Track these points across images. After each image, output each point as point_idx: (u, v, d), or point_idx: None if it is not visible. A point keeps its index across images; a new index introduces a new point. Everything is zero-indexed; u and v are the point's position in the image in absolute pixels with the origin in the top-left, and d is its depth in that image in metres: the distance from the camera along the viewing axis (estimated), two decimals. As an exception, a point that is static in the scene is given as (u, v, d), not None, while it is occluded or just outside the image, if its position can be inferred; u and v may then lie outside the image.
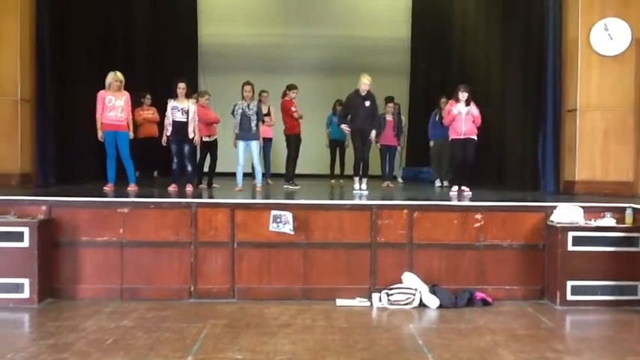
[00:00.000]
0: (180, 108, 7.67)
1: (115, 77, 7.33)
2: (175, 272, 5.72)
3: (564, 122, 7.87)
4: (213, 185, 8.86)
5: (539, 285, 5.88)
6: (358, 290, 5.73)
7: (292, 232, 5.71)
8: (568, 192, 7.64)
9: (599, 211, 5.92)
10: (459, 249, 5.87)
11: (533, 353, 4.26)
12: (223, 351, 4.19)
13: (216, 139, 9.03)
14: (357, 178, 8.10)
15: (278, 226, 5.71)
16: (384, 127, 9.97)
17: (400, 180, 11.58)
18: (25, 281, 5.32)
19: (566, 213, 5.79)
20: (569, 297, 5.59)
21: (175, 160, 7.77)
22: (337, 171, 10.79)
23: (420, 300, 5.51)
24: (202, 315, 5.15)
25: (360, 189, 7.95)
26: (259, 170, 8.09)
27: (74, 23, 8.61)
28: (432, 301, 5.49)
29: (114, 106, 7.30)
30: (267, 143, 9.48)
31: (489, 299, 5.66)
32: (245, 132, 7.92)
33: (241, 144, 7.94)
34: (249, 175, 8.53)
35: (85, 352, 4.13)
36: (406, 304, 5.48)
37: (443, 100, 9.69)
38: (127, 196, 6.33)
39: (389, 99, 10.16)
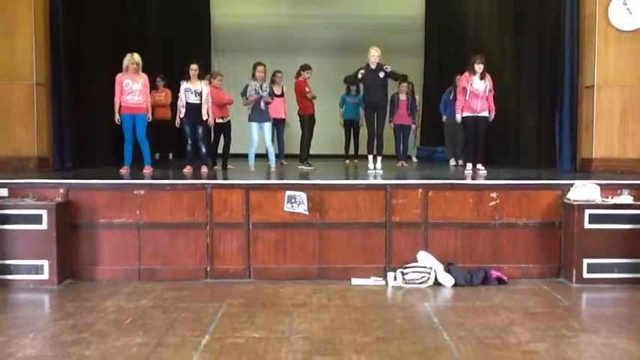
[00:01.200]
0: (193, 90, 7.67)
1: (131, 59, 7.29)
2: (192, 253, 5.77)
3: (581, 99, 7.76)
4: (228, 167, 8.89)
5: (555, 263, 5.86)
6: (373, 269, 5.75)
7: (307, 213, 5.72)
8: (585, 169, 7.56)
9: (616, 189, 5.86)
10: (475, 228, 5.85)
11: (549, 331, 4.26)
12: (240, 330, 4.24)
13: (229, 121, 9.02)
14: (370, 157, 8.02)
15: (292, 207, 5.72)
16: (397, 107, 9.92)
17: (415, 159, 11.54)
18: (45, 263, 5.41)
19: (583, 191, 5.73)
20: (586, 275, 5.56)
21: (189, 142, 7.79)
22: (352, 151, 10.78)
23: (435, 278, 5.52)
24: (219, 295, 5.20)
25: (375, 168, 7.90)
26: (272, 151, 8.09)
27: (88, 6, 8.61)
28: (447, 280, 5.50)
29: (131, 89, 7.27)
30: (280, 124, 9.47)
31: (505, 277, 5.64)
32: (257, 113, 7.89)
33: (254, 126, 7.92)
34: (263, 157, 8.55)
35: (105, 331, 4.21)
36: (421, 283, 5.49)
37: (458, 77, 9.59)
38: (142, 179, 6.38)
39: (403, 77, 10.08)
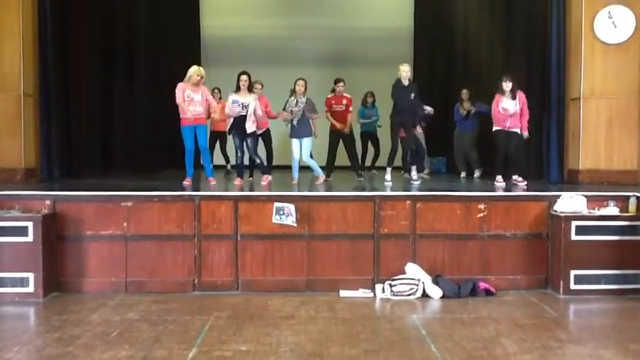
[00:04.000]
0: (241, 102, 7.49)
1: (197, 71, 7.19)
2: (179, 265, 5.75)
3: (568, 111, 7.81)
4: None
5: (542, 274, 5.88)
6: (361, 281, 5.75)
7: (295, 224, 5.72)
8: (572, 181, 7.60)
9: (603, 200, 5.90)
10: (462, 239, 5.87)
11: (537, 342, 4.27)
12: (227, 342, 4.22)
13: (267, 130, 8.73)
14: (411, 168, 8.23)
15: (281, 218, 5.72)
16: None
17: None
18: (30, 275, 5.36)
19: (570, 202, 5.77)
20: (573, 286, 5.59)
21: (239, 154, 7.65)
22: (368, 163, 10.35)
23: (424, 290, 5.52)
24: (206, 307, 5.18)
25: (412, 178, 8.05)
26: (313, 164, 7.88)
27: (76, 17, 8.60)
28: (435, 292, 5.50)
29: (192, 100, 7.16)
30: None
31: (492, 289, 5.66)
32: (296, 129, 7.78)
33: (295, 141, 7.83)
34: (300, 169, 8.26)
35: (91, 345, 4.17)
36: (409, 295, 5.49)
37: (464, 91, 9.65)
38: (131, 190, 6.33)
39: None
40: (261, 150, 8.50)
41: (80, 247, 5.70)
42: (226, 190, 6.63)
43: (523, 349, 4.14)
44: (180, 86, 7.21)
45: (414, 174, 8.32)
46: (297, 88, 7.78)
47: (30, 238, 5.36)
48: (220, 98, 9.87)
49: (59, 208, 5.72)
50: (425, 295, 5.51)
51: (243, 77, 7.56)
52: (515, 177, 7.56)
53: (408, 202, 5.89)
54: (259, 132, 8.47)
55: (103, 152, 9.81)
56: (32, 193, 5.89)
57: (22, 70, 7.45)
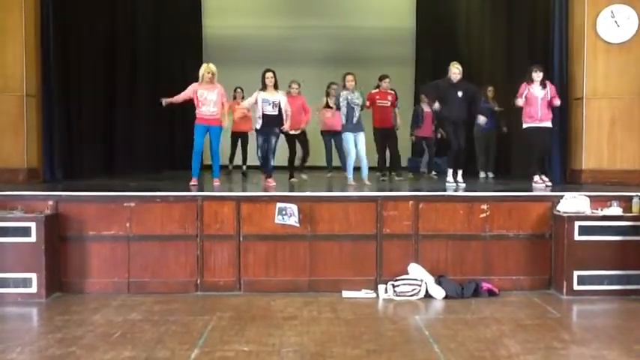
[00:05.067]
0: (271, 101, 7.31)
1: (207, 69, 7.07)
2: (182, 265, 5.74)
3: (571, 111, 7.82)
4: (302, 177, 8.67)
5: (545, 275, 5.87)
6: (364, 282, 5.73)
7: (298, 225, 5.71)
8: (575, 181, 7.60)
9: (606, 200, 5.88)
10: (465, 239, 5.86)
11: (540, 343, 4.26)
12: (229, 343, 4.22)
13: (304, 131, 8.69)
14: (450, 171, 7.66)
15: (283, 219, 5.71)
16: (422, 119, 9.71)
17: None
18: (33, 276, 5.36)
19: (573, 202, 5.76)
20: (576, 287, 5.57)
21: (259, 153, 7.49)
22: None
23: (426, 291, 5.51)
24: (209, 308, 5.18)
25: (456, 181, 7.51)
26: (365, 164, 7.69)
27: (78, 18, 8.62)
28: (438, 292, 5.50)
29: (206, 99, 7.05)
30: (338, 136, 8.49)
31: (496, 290, 5.65)
32: (351, 124, 7.59)
33: (350, 136, 7.60)
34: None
35: (93, 345, 4.17)
36: (412, 296, 5.49)
37: (490, 88, 9.49)
38: (134, 190, 6.34)
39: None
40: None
41: (83, 248, 5.70)
42: (230, 191, 6.64)
43: (526, 349, 4.12)
44: (192, 86, 7.10)
45: (453, 178, 7.72)
46: (348, 83, 7.64)
47: (33, 238, 5.35)
48: (243, 97, 9.44)
49: (62, 208, 5.72)
50: (428, 295, 5.50)
51: (269, 74, 7.36)
52: (544, 177, 7.32)
53: (411, 202, 5.88)
54: (295, 132, 8.42)
55: (105, 153, 9.83)
56: (35, 194, 5.90)
57: (25, 71, 7.46)
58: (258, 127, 7.44)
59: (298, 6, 13.33)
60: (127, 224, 5.73)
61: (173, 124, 11.89)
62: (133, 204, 5.76)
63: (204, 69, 7.11)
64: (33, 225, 5.37)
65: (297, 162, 8.98)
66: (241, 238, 5.77)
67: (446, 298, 5.47)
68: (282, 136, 8.25)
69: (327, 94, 9.12)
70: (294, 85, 8.69)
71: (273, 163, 7.53)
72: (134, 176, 7.62)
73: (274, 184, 7.34)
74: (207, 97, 7.09)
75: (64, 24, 8.09)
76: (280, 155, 8.65)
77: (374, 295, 5.59)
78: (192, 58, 12.24)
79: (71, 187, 6.53)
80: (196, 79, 7.27)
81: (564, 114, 7.77)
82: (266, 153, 7.45)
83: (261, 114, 7.37)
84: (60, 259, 5.65)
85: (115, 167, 9.85)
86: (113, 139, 10.04)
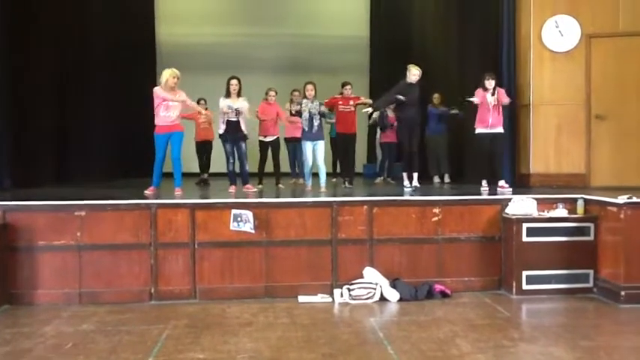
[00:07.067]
0: (234, 108, 7.51)
1: (172, 73, 6.86)
2: (135, 274, 5.66)
3: (519, 117, 8.07)
4: (279, 185, 8.73)
5: (496, 276, 6.03)
6: (320, 286, 5.77)
7: (253, 231, 5.71)
8: (523, 184, 7.84)
9: (552, 203, 6.10)
10: (418, 243, 5.97)
11: (490, 342, 4.38)
12: (184, 351, 4.18)
13: (277, 139, 8.83)
14: (405, 175, 7.88)
15: (239, 225, 5.70)
16: (388, 124, 9.89)
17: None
18: (-20, 288, 5.21)
19: (521, 205, 5.95)
20: (525, 286, 5.75)
21: (230, 160, 7.63)
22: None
23: (381, 294, 5.59)
24: (163, 316, 5.12)
25: (412, 186, 7.74)
26: (324, 171, 7.79)
27: (29, 21, 8.40)
28: (393, 295, 5.58)
29: (168, 105, 6.85)
30: (299, 144, 8.59)
31: (448, 291, 5.77)
32: (310, 132, 7.74)
33: (309, 145, 7.76)
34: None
35: (44, 357, 4.08)
36: (367, 299, 5.55)
37: (435, 95, 9.69)
38: (84, 199, 6.21)
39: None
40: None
41: (32, 258, 5.56)
42: (185, 199, 6.57)
43: (477, 348, 4.23)
44: (159, 90, 6.89)
45: (409, 182, 8.01)
46: (307, 92, 7.82)
47: (-21, 249, 5.20)
48: (206, 109, 9.46)
49: (10, 218, 5.57)
50: (383, 298, 5.58)
51: (233, 82, 7.58)
52: (501, 183, 7.46)
53: (365, 207, 5.96)
54: (270, 140, 8.70)
55: (56, 161, 9.58)
56: (-19, 204, 5.73)
57: (-28, 75, 7.25)
58: (221, 131, 7.63)
59: (254, 14, 13.37)
60: (78, 233, 5.62)
61: (127, 133, 11.69)
62: (83, 213, 5.66)
63: (170, 74, 6.89)
64: (-21, 236, 5.22)
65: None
66: (196, 246, 5.73)
67: (400, 300, 5.56)
68: (255, 142, 8.60)
69: (291, 101, 9.24)
70: (272, 93, 8.86)
71: (247, 168, 7.71)
72: (87, 185, 7.46)
73: (255, 189, 7.50)
74: (169, 103, 6.92)
75: (13, 27, 7.85)
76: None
77: (330, 299, 5.63)
78: (146, 66, 12.10)
79: (20, 196, 6.36)
80: (150, 86, 7.17)
81: (513, 120, 8.01)
82: (237, 160, 7.65)
83: (225, 120, 7.58)
84: (8, 271, 5.49)
85: (68, 176, 9.61)
86: (65, 148, 9.80)
